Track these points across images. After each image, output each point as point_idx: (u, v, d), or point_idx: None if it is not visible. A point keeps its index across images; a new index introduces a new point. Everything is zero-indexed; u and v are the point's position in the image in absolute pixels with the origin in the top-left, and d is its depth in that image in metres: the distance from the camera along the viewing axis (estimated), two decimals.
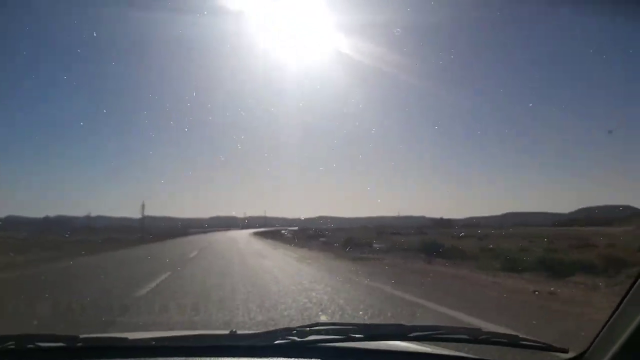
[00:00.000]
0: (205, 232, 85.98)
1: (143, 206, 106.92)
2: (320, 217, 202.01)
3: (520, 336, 1.99)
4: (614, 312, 1.70)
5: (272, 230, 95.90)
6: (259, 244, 36.29)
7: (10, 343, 1.83)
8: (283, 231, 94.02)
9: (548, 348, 1.85)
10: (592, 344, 1.74)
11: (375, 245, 29.51)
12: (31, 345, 1.85)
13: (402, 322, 2.18)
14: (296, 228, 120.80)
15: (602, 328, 1.71)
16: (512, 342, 1.98)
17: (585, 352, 1.74)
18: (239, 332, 2.11)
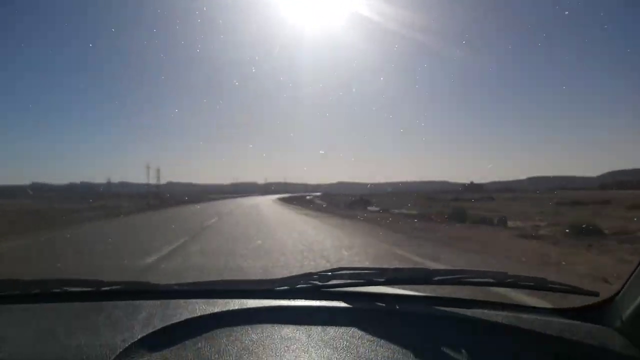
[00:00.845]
0: (225, 198, 79.03)
1: (158, 172, 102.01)
2: (340, 183, 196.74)
3: (548, 279, 1.86)
4: None
5: (297, 196, 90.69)
6: (292, 215, 27.40)
7: (36, 288, 1.86)
8: (308, 197, 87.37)
9: (577, 291, 1.76)
10: (622, 287, 1.63)
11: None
12: (57, 290, 1.86)
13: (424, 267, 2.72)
14: (319, 194, 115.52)
15: (634, 272, 1.59)
16: (540, 285, 1.90)
17: (615, 295, 1.63)
18: (262, 279, 2.10)
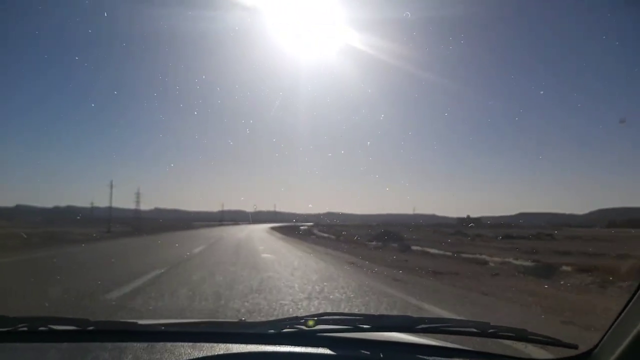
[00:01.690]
0: (211, 226, 68.25)
1: (138, 196, 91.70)
2: (329, 213, 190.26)
3: (529, 331, 1.87)
4: (623, 309, 1.65)
5: (289, 225, 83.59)
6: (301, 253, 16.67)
7: (23, 325, 1.82)
8: (303, 226, 76.96)
9: (557, 343, 1.79)
10: (601, 340, 1.68)
11: None
12: (43, 328, 1.83)
13: (410, 314, 2.07)
14: (311, 223, 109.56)
15: (612, 325, 1.65)
16: (521, 336, 1.90)
17: (594, 348, 1.68)
18: (247, 320, 2.18)
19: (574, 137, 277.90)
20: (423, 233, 47.21)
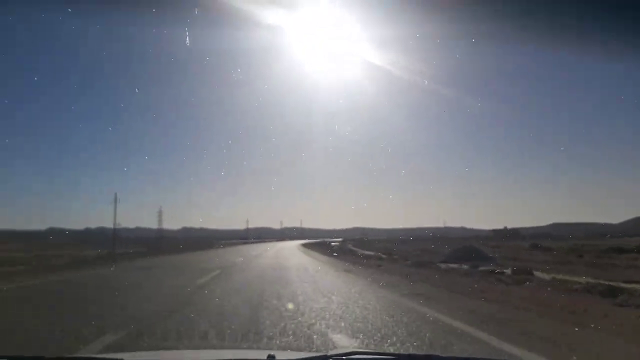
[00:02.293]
0: (235, 244, 61.44)
1: (160, 214, 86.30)
2: (356, 228, 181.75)
3: None
4: None
5: (320, 242, 76.90)
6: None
7: None
8: (334, 243, 69.65)
9: None
10: None
11: None
12: None
13: (438, 354, 2.09)
14: (341, 239, 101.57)
15: None
16: None
17: None
18: (277, 356, 2.01)
19: (605, 144, 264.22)
20: (490, 248, 40.03)
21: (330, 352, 1.82)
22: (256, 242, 76.37)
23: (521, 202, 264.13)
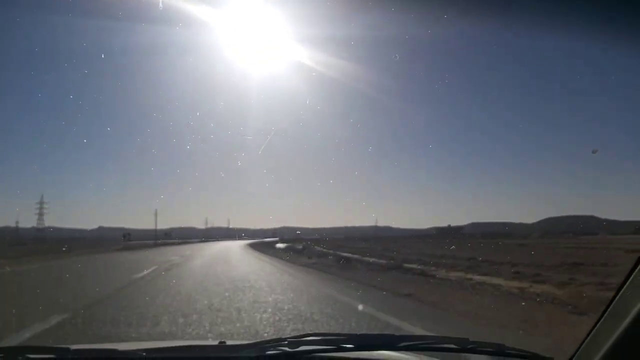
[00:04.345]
0: (146, 248, 44.62)
1: (41, 211, 74.01)
2: (285, 228, 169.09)
3: (507, 345, 1.85)
4: (597, 322, 1.64)
5: (259, 242, 62.41)
6: None
7: (0, 356, 1.75)
8: (279, 245, 54.66)
9: (534, 357, 1.79)
10: (575, 352, 1.69)
11: None
12: (21, 358, 1.70)
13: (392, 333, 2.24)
14: (277, 238, 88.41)
15: (586, 337, 1.66)
16: (498, 351, 1.87)
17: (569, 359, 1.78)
18: (228, 342, 1.95)
19: (524, 147, 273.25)
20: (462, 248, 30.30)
21: (285, 336, 1.73)
22: (178, 245, 58.85)
23: (443, 203, 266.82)
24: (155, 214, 59.29)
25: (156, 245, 51.80)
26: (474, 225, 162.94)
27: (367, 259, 21.64)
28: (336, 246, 40.49)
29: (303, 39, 18.57)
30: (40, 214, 77.25)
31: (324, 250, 31.45)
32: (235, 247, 40.07)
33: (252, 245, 44.45)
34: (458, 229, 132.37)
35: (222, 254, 28.49)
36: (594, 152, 57.41)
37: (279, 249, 38.30)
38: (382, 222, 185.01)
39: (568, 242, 45.47)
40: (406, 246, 44.92)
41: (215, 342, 1.96)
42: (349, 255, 23.81)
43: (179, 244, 58.60)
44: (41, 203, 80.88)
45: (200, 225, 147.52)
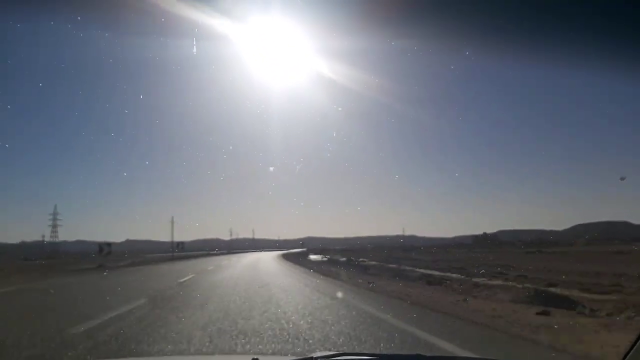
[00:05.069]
0: (161, 263, 39.02)
1: (55, 224, 71.87)
2: (310, 238, 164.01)
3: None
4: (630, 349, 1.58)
5: (288, 253, 59.78)
6: None
7: None
8: (313, 256, 48.72)
9: None
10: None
11: None
12: None
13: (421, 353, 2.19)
14: (304, 249, 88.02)
15: (631, 348, 1.61)
16: None
17: None
18: (261, 358, 1.94)
19: (553, 156, 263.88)
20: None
21: (315, 355, 1.69)
22: (201, 257, 53.08)
23: (469, 211, 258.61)
24: (172, 223, 53.94)
25: (156, 260, 45.75)
26: (503, 232, 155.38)
27: (468, 278, 15.50)
28: (381, 258, 34.39)
29: (321, 50, 17.13)
30: (54, 226, 73.15)
31: (374, 263, 25.40)
32: (271, 264, 32.36)
33: (286, 258, 38.42)
34: (494, 237, 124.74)
35: (244, 263, 22.50)
36: (622, 179, 55.02)
37: (319, 262, 32.30)
38: (407, 231, 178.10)
39: (619, 249, 39.84)
40: (458, 256, 38.80)
41: (249, 358, 1.95)
42: (426, 271, 17.70)
43: (196, 256, 52.64)
44: (54, 214, 76.73)
45: (224, 236, 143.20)
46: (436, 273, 16.81)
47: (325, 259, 36.90)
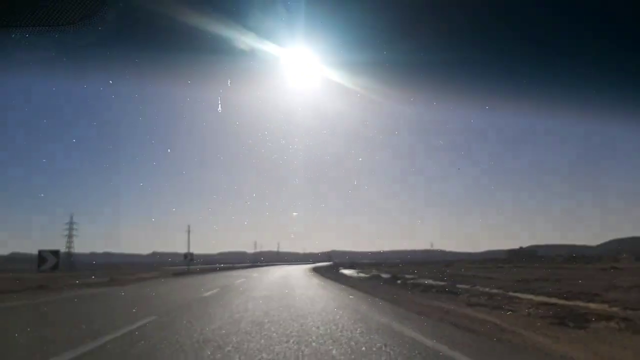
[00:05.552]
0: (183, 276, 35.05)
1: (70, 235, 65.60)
2: (334, 252, 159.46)
3: None
4: None
5: (321, 266, 53.06)
6: None
7: None
8: (346, 270, 44.11)
9: None
10: None
11: None
12: None
13: None
14: (331, 262, 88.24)
15: None
16: None
17: None
18: None
19: (584, 174, 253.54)
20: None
21: None
22: (223, 271, 48.82)
23: (501, 226, 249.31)
24: (188, 232, 49.75)
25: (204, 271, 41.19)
26: (534, 247, 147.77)
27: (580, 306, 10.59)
28: (430, 275, 29.42)
29: (344, 64, 16.09)
30: (70, 236, 70.17)
31: (430, 282, 20.58)
32: (305, 282, 23.65)
33: (320, 273, 33.61)
34: (532, 252, 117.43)
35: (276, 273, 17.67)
36: None
37: (360, 278, 27.50)
38: (435, 246, 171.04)
39: None
40: (502, 274, 33.64)
41: None
42: (522, 296, 12.84)
43: (229, 269, 48.17)
44: (70, 224, 73.61)
45: (249, 249, 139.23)
46: (554, 300, 11.97)
47: (364, 275, 31.97)
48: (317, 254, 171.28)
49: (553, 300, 12.08)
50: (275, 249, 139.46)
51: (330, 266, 57.38)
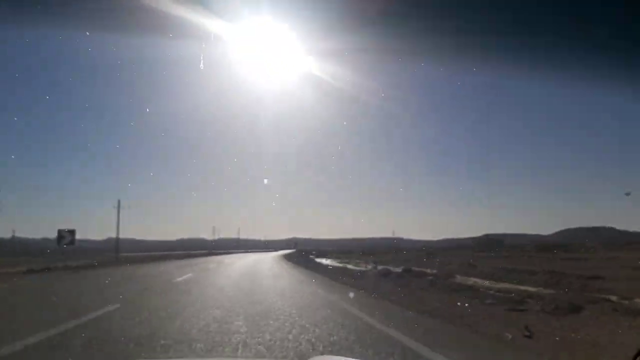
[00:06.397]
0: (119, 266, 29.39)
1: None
2: (295, 239, 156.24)
3: None
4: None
5: (287, 254, 48.72)
6: None
7: None
8: (323, 261, 39.75)
9: None
10: None
11: None
12: None
13: None
14: (295, 250, 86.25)
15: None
16: None
17: None
18: None
19: (538, 160, 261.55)
20: None
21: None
22: (178, 259, 42.69)
23: (459, 215, 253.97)
24: (118, 207, 43.76)
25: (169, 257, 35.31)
26: (495, 236, 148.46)
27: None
28: (399, 261, 25.81)
29: (311, 51, 17.41)
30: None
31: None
32: (286, 280, 15.91)
33: (296, 262, 29.03)
34: (499, 240, 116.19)
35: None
36: (627, 194, 54.73)
37: (347, 270, 23.15)
38: (396, 233, 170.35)
39: None
40: (473, 260, 30.95)
41: None
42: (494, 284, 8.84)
43: (185, 257, 42.38)
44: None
45: (208, 235, 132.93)
46: (532, 289, 8.29)
47: (358, 268, 26.94)
48: (279, 241, 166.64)
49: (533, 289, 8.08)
50: (235, 236, 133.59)
51: (299, 254, 52.57)
